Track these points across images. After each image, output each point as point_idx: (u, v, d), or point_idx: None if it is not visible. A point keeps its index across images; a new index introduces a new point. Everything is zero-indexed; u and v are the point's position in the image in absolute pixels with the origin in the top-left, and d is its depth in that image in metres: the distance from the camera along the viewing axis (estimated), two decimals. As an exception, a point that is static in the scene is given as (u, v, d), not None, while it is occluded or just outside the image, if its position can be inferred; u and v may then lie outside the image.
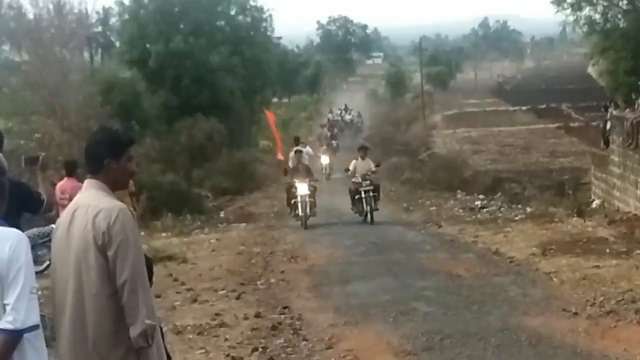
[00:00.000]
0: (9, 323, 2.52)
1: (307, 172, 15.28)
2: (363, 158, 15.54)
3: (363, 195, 14.64)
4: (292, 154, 16.82)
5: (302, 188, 14.56)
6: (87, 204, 2.85)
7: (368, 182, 14.75)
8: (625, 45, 23.57)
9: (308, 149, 21.20)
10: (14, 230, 2.66)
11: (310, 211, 14.62)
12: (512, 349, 6.29)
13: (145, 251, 4.40)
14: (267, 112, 23.67)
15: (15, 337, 2.53)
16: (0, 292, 2.56)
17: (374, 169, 15.48)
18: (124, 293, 2.75)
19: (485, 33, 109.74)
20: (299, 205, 14.55)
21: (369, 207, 14.62)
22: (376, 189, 15.09)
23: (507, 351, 6.24)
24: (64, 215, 2.98)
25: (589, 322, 6.97)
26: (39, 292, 2.64)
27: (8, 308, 2.53)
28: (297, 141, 18.32)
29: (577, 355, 6.11)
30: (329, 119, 38.56)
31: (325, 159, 25.37)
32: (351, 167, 15.34)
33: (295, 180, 14.89)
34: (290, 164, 16.50)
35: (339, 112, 46.33)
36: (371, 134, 42.77)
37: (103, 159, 2.94)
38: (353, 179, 15.18)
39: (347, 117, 45.54)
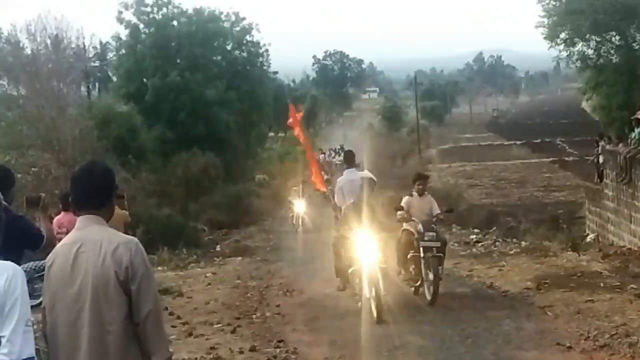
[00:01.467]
0: (4, 355, 2.56)
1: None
2: (421, 194, 9.80)
3: (422, 254, 9.02)
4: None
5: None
6: (98, 240, 2.84)
7: (433, 234, 9.16)
8: (618, 80, 24.01)
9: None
10: (9, 263, 2.65)
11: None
12: None
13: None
14: (290, 105, 15.30)
15: None
16: None
17: (439, 213, 9.80)
18: (147, 324, 2.80)
19: (479, 67, 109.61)
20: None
21: (432, 274, 8.97)
22: (442, 246, 9.38)
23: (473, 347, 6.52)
24: (62, 249, 2.94)
25: (583, 356, 7.01)
26: (35, 326, 2.66)
27: (3, 340, 2.55)
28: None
29: None
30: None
31: (300, 207, 20.70)
32: (404, 205, 9.56)
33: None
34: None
35: (332, 152, 38.07)
36: (368, 169, 39.56)
37: (110, 195, 3.03)
38: (406, 226, 9.54)
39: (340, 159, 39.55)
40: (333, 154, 36.47)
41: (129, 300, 2.80)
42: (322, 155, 31.52)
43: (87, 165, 3.28)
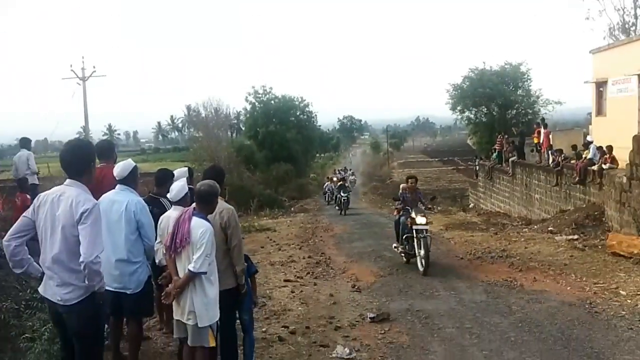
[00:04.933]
0: (192, 267, 4.11)
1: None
2: (412, 189, 10.72)
3: (415, 235, 9.89)
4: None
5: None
6: (218, 208, 4.57)
7: (424, 219, 9.96)
8: (485, 130, 38.04)
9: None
10: (205, 221, 4.21)
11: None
12: (432, 274, 9.51)
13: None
14: None
15: (192, 275, 4.13)
16: (192, 251, 4.13)
17: (427, 203, 10.91)
18: (234, 251, 4.56)
19: (418, 123, 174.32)
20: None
21: (424, 251, 9.68)
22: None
23: (429, 276, 9.42)
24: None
25: (468, 263, 10.46)
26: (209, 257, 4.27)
27: (193, 261, 4.11)
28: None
29: (464, 278, 9.22)
30: (333, 178, 34.28)
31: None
32: (400, 197, 10.75)
33: None
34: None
35: (342, 172, 49.61)
36: (362, 171, 63.34)
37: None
38: (403, 212, 10.57)
39: (351, 178, 43.32)
40: (342, 173, 48.42)
41: (226, 236, 4.50)
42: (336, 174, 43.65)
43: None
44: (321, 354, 5.86)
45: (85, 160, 3.68)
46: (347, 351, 5.85)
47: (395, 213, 11.55)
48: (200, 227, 4.12)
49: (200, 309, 4.13)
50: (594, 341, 5.94)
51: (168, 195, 5.01)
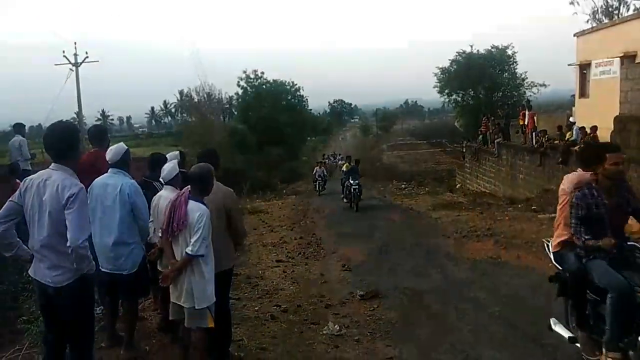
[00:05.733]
0: (189, 251, 4.08)
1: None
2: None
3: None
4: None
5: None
6: (217, 191, 4.54)
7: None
8: (471, 113, 37.23)
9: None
10: (202, 205, 4.16)
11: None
12: (420, 252, 9.82)
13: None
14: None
15: (190, 257, 4.11)
16: (189, 234, 4.11)
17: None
18: (236, 227, 4.70)
19: (407, 106, 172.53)
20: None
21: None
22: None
23: (416, 253, 9.73)
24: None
25: (455, 241, 10.63)
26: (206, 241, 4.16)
27: (190, 244, 4.08)
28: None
29: (450, 256, 9.38)
30: (323, 162, 34.92)
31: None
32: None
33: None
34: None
35: (332, 157, 51.61)
36: (351, 155, 57.26)
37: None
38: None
39: (340, 162, 44.60)
40: (332, 159, 50.40)
41: (229, 218, 4.56)
42: (326, 159, 44.85)
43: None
44: (312, 331, 5.93)
45: (69, 143, 3.57)
46: (337, 328, 5.93)
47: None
48: (197, 211, 4.11)
49: (198, 291, 4.14)
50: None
51: (160, 176, 5.10)
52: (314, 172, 26.75)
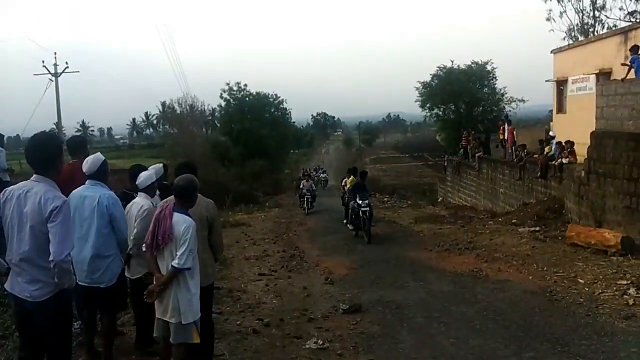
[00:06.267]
0: (176, 264, 3.99)
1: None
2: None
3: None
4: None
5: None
6: (199, 203, 4.47)
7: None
8: (452, 127, 38.44)
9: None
10: (188, 217, 4.08)
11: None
12: (402, 265, 9.85)
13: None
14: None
15: (176, 271, 4.01)
16: (175, 247, 4.01)
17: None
18: (216, 240, 4.69)
19: (389, 120, 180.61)
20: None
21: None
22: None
23: (399, 268, 9.62)
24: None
25: (436, 254, 10.72)
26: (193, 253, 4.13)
27: (177, 257, 3.99)
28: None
29: (432, 269, 9.39)
30: (309, 174, 32.34)
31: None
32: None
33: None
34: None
35: (314, 171, 47.17)
36: (334, 167, 63.69)
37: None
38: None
39: (322, 176, 44.66)
40: (314, 172, 47.40)
41: (210, 228, 4.54)
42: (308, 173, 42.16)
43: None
44: (295, 345, 5.86)
45: (51, 155, 3.46)
46: (320, 342, 5.86)
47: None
48: (182, 223, 4.00)
49: (184, 305, 4.02)
50: (554, 327, 6.09)
51: (136, 182, 5.13)
52: (301, 186, 22.71)
